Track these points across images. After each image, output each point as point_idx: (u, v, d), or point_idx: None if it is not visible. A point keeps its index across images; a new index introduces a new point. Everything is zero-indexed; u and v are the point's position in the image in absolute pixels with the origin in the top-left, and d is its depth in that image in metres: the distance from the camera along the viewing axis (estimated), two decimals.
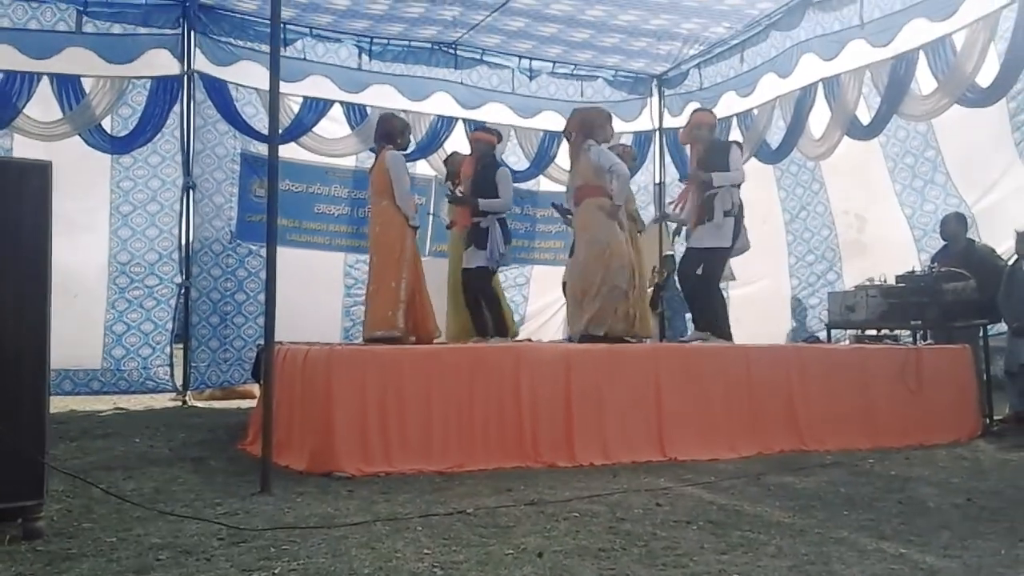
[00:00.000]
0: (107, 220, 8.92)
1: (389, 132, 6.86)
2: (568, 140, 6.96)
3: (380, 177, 6.70)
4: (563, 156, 10.74)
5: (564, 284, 7.76)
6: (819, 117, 9.26)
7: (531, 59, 10.72)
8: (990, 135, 7.93)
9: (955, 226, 7.97)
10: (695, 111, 7.55)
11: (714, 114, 7.65)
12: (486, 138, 7.76)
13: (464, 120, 10.33)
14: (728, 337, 6.89)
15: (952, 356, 6.95)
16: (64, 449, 5.67)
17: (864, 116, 8.81)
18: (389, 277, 6.55)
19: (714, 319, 6.91)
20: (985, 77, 7.54)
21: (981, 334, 7.54)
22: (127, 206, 8.96)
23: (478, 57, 10.49)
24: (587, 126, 6.72)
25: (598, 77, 11.15)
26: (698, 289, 6.95)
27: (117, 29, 8.75)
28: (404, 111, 9.89)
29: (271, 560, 3.15)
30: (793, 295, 10.25)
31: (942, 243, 8.12)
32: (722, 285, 7.52)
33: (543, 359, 5.65)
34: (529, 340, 9.33)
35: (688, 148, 7.48)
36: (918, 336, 7.69)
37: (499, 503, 4.17)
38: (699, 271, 6.85)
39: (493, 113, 10.56)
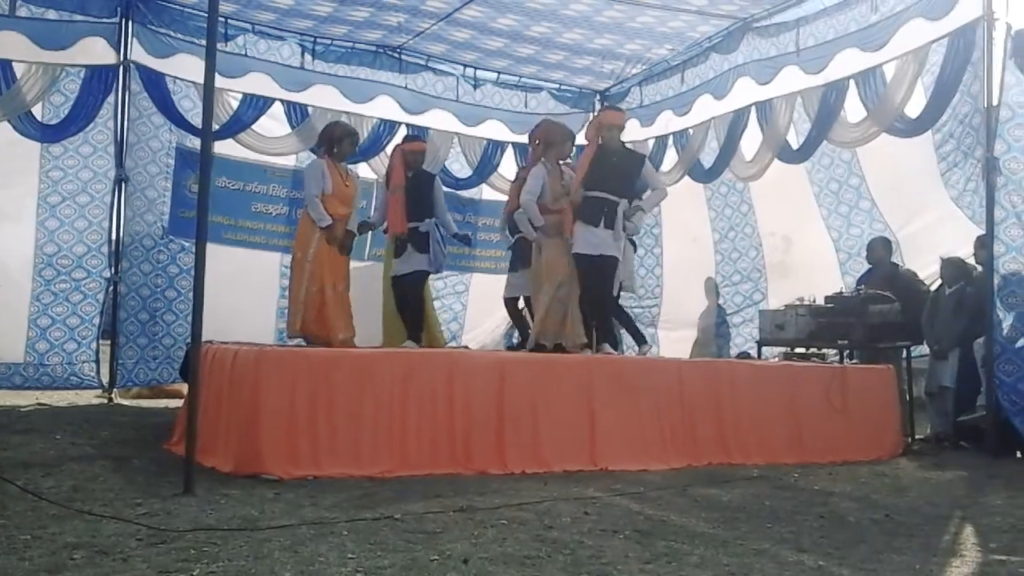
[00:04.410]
0: (34, 210, 8.62)
1: (324, 138, 7.06)
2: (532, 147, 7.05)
3: None
4: (505, 165, 10.82)
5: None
6: (751, 139, 9.45)
7: (476, 68, 10.74)
8: (916, 165, 8.16)
9: (881, 251, 8.22)
10: (605, 108, 7.34)
11: (624, 113, 7.39)
12: (419, 147, 7.70)
13: (407, 125, 10.26)
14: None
15: (876, 376, 7.15)
16: None
17: (794, 141, 9.03)
18: (295, 282, 6.80)
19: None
20: (913, 108, 7.78)
21: (904, 355, 7.78)
22: (56, 196, 8.69)
23: (423, 63, 10.44)
24: (549, 140, 6.84)
25: (543, 89, 11.21)
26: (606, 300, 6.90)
27: (52, 15, 8.48)
28: (346, 113, 9.82)
29: (190, 562, 3.09)
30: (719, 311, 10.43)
31: (867, 266, 8.36)
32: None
33: (477, 367, 5.65)
34: (466, 348, 9.34)
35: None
36: (844, 355, 7.89)
37: (428, 509, 4.16)
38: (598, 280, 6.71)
39: (437, 120, 10.53)
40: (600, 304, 6.73)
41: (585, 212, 6.60)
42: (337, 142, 6.92)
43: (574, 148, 7.57)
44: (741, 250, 10.28)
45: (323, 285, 6.68)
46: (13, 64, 8.37)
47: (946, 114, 7.56)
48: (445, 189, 8.68)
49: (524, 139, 10.83)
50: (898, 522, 4.39)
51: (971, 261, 7.53)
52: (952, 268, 7.56)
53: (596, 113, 7.13)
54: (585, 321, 6.69)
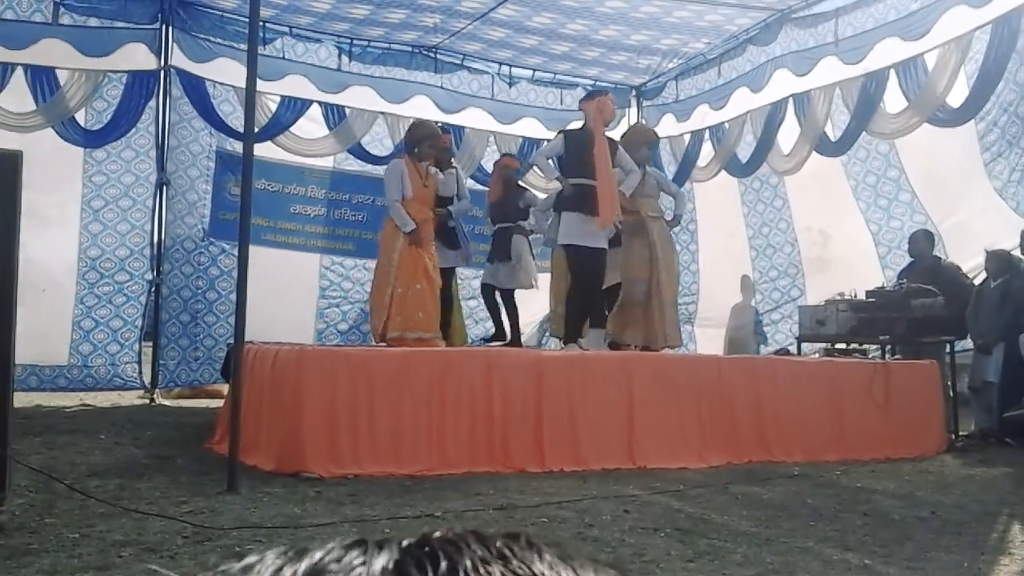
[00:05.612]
0: (78, 214, 8.79)
1: (406, 140, 6.98)
2: None
3: None
4: None
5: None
6: (788, 132, 9.35)
7: (511, 66, 10.75)
8: (957, 156, 8.03)
9: (923, 243, 8.07)
10: (607, 95, 6.99)
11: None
12: (442, 144, 7.72)
13: (443, 124, 10.30)
14: None
15: (919, 371, 7.03)
16: (28, 444, 5.57)
17: (832, 133, 8.92)
18: (383, 285, 6.60)
19: None
20: (955, 98, 7.65)
21: (948, 350, 7.64)
22: (99, 201, 8.85)
23: (458, 62, 10.48)
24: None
25: (578, 86, 11.18)
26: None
27: (94, 22, 8.66)
28: (383, 113, 9.91)
29: (235, 559, 3.11)
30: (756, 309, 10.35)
31: (907, 260, 8.23)
32: None
33: (515, 365, 5.65)
34: (502, 345, 9.33)
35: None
36: (886, 351, 7.77)
37: (468, 507, 4.16)
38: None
39: (472, 118, 10.56)
40: (590, 297, 6.64)
41: (571, 200, 6.48)
42: (417, 143, 6.68)
43: (650, 154, 7.46)
44: (776, 245, 10.17)
45: (409, 286, 6.50)
46: (56, 71, 8.55)
47: (990, 103, 7.43)
48: (480, 187, 8.69)
49: None
50: (944, 519, 4.31)
51: (1017, 253, 7.38)
52: (997, 260, 7.41)
53: (601, 98, 6.72)
54: (568, 316, 6.67)
